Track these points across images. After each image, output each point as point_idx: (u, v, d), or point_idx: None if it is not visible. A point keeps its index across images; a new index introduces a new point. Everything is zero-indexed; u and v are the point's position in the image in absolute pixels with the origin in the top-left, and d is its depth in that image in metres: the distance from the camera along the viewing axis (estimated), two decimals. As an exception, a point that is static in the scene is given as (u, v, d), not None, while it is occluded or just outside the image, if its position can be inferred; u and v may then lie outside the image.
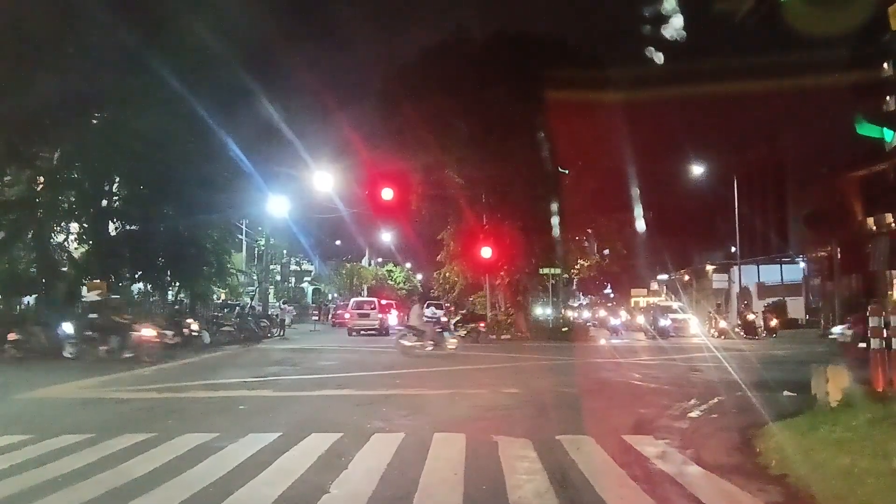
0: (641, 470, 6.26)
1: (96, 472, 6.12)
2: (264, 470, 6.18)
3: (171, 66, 20.92)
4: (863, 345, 17.02)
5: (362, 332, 33.53)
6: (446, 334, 21.52)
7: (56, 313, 20.89)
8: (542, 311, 33.70)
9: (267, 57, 25.43)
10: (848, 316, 18.41)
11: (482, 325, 29.22)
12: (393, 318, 38.33)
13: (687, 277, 49.43)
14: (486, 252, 26.63)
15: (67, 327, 19.50)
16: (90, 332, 18.13)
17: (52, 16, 20.55)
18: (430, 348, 20.05)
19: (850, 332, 18.47)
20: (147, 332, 18.04)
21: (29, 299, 26.19)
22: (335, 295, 61.40)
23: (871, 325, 8.99)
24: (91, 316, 19.02)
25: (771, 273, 38.98)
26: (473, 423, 8.65)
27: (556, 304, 34.62)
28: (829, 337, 21.26)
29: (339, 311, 46.02)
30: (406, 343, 20.39)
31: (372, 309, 35.16)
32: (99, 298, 21.36)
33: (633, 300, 53.69)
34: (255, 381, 13.61)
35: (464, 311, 35.08)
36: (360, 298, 41.01)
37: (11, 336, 18.98)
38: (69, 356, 18.56)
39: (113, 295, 22.72)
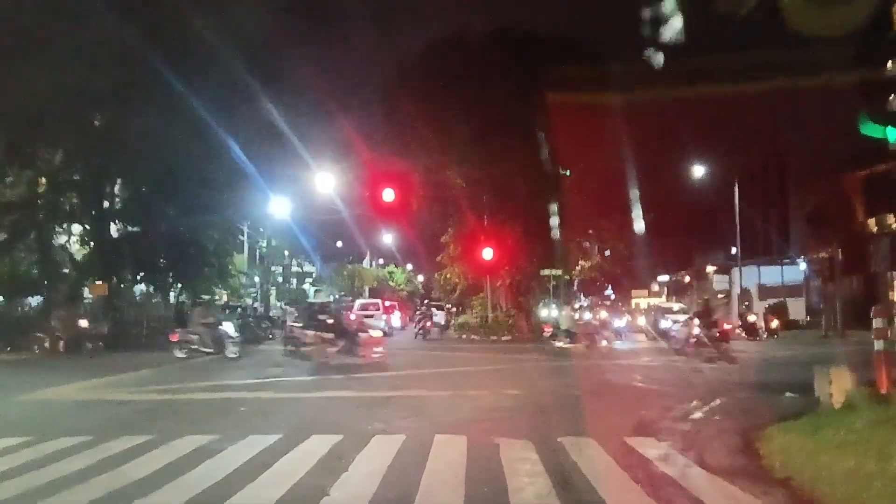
0: (644, 472, 6.21)
1: (95, 474, 6.10)
2: (264, 472, 6.14)
3: (173, 66, 20.94)
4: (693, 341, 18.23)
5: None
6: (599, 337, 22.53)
7: (222, 314, 21.04)
8: (546, 313, 33.54)
9: (268, 58, 25.42)
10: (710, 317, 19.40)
11: None
12: (396, 320, 38.25)
13: (688, 278, 49.31)
14: (488, 253, 26.55)
15: (229, 328, 19.76)
16: (323, 334, 17.87)
17: (54, 15, 20.57)
18: (585, 349, 21.14)
19: (684, 330, 19.84)
20: (375, 333, 18.23)
21: (31, 300, 26.23)
22: (336, 296, 61.30)
23: (874, 326, 8.93)
24: (321, 317, 19.11)
25: (772, 274, 38.79)
26: (475, 425, 8.60)
27: (558, 306, 34.49)
28: (670, 333, 22.49)
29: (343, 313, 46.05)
30: (559, 345, 21.34)
31: (376, 310, 35.24)
32: (327, 300, 21.03)
33: (633, 301, 53.53)
34: (255, 383, 13.58)
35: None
36: (364, 300, 41.03)
37: (174, 337, 19.26)
38: (232, 356, 18.74)
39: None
